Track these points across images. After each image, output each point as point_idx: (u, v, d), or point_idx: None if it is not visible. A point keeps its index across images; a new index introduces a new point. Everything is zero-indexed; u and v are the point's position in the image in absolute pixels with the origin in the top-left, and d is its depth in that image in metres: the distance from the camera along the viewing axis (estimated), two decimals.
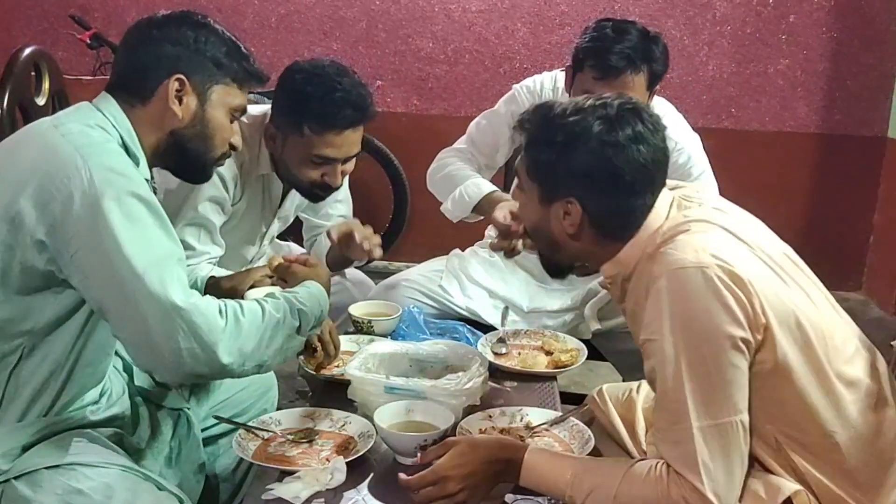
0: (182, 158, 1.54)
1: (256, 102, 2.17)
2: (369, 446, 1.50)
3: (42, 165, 1.33)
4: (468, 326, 2.12)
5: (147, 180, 1.44)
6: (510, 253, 1.99)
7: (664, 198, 1.43)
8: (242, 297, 1.55)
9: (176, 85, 1.46)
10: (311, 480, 1.38)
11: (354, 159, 2.05)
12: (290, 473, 1.43)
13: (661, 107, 2.28)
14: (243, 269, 1.97)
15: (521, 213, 1.54)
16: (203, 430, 1.74)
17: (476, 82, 4.42)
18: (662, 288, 1.29)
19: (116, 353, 1.60)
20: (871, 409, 1.38)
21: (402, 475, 1.35)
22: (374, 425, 1.53)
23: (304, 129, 1.92)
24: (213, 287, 1.77)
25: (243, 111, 1.59)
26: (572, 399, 2.21)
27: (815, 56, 4.32)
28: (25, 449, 1.38)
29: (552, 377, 1.92)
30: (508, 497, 1.40)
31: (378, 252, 2.14)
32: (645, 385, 1.75)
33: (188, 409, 1.68)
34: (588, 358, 2.01)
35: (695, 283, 1.27)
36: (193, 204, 1.94)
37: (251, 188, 2.09)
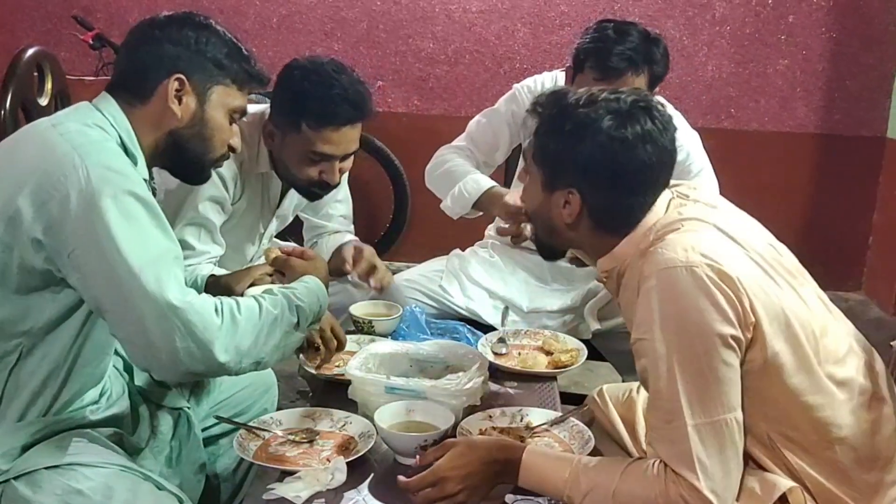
0: (180, 159, 1.54)
1: (258, 102, 2.17)
2: (370, 446, 1.50)
3: (40, 164, 1.33)
4: (468, 326, 2.13)
5: (146, 180, 1.44)
6: (517, 238, 1.96)
7: (662, 196, 1.44)
8: (242, 295, 1.55)
9: (175, 85, 1.46)
10: (311, 480, 1.39)
11: (352, 157, 2.04)
12: (291, 473, 1.43)
13: None
14: (243, 267, 1.97)
15: (525, 196, 1.55)
16: (203, 430, 1.74)
17: (476, 82, 4.42)
18: (652, 287, 1.30)
19: (116, 353, 1.60)
20: (865, 407, 1.38)
21: (401, 477, 1.35)
22: (374, 425, 1.53)
23: (302, 126, 1.92)
24: (213, 285, 1.78)
25: (243, 113, 1.59)
26: (572, 399, 2.21)
27: (814, 56, 4.32)
28: (25, 449, 1.38)
29: (552, 377, 1.93)
30: (508, 497, 1.40)
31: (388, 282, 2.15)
32: None
33: (188, 408, 1.68)
34: (588, 358, 2.02)
35: (684, 282, 1.27)
36: (193, 203, 1.94)
37: (250, 187, 2.09)
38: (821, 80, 4.35)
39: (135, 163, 1.43)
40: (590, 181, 1.38)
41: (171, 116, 1.48)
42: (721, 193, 1.63)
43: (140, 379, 1.65)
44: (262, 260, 2.06)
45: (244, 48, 1.55)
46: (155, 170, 1.57)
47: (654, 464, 1.31)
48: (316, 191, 2.07)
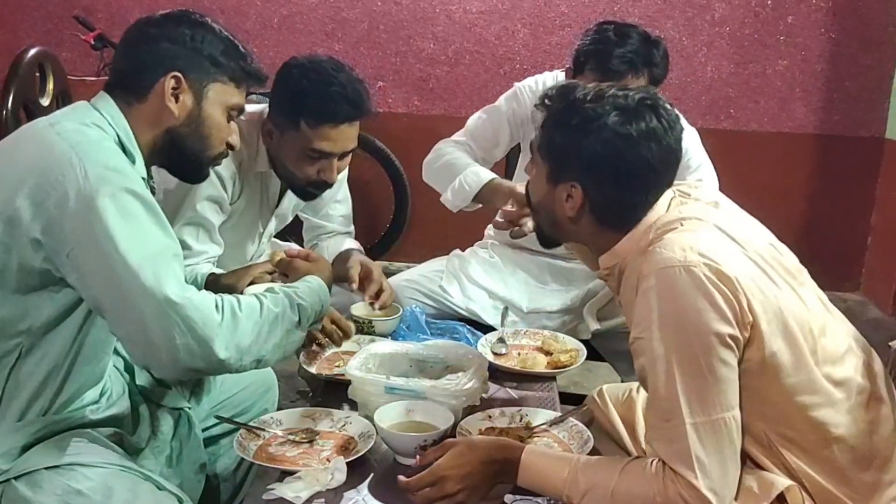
0: (178, 157, 1.54)
1: (258, 102, 2.17)
2: (369, 446, 1.51)
3: (38, 164, 1.33)
4: (468, 327, 2.14)
5: (144, 179, 1.44)
6: (516, 232, 1.94)
7: (664, 194, 1.44)
8: (242, 294, 1.55)
9: (172, 82, 1.46)
10: (311, 480, 1.39)
11: (350, 156, 2.04)
12: (291, 473, 1.43)
13: None
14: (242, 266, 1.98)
15: (530, 188, 1.56)
16: (204, 430, 1.74)
17: (476, 83, 4.43)
18: (651, 287, 1.31)
19: (117, 353, 1.61)
20: (863, 407, 1.39)
21: (401, 477, 1.36)
22: (374, 425, 1.53)
23: (300, 124, 1.91)
24: (213, 284, 1.78)
25: (241, 110, 1.59)
26: (571, 399, 2.22)
27: (813, 57, 4.33)
28: (25, 449, 1.38)
29: (551, 377, 1.93)
30: (508, 497, 1.41)
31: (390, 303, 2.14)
32: None
33: (189, 408, 1.68)
34: (587, 358, 2.02)
35: (682, 281, 1.28)
36: (192, 203, 1.93)
37: (249, 186, 2.09)
38: (820, 80, 4.35)
39: (133, 161, 1.43)
40: (593, 176, 1.39)
41: (169, 114, 1.48)
42: (720, 192, 1.64)
43: (141, 379, 1.65)
44: (263, 259, 2.06)
45: (241, 45, 1.54)
46: (154, 169, 1.57)
47: (652, 462, 1.31)
48: (311, 190, 2.06)
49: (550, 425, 1.64)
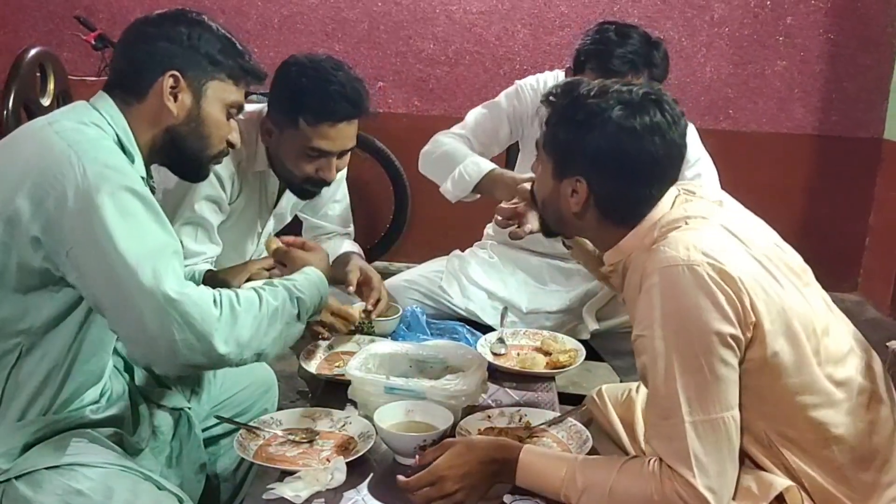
0: (178, 156, 1.54)
1: (258, 103, 2.17)
2: (369, 446, 1.51)
3: (37, 163, 1.33)
4: (467, 327, 2.14)
5: (143, 178, 1.44)
6: (514, 234, 1.93)
7: (669, 192, 1.45)
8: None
9: (170, 81, 1.46)
10: (311, 480, 1.39)
11: (349, 155, 2.04)
12: (291, 473, 1.43)
13: None
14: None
15: (536, 185, 1.56)
16: (204, 430, 1.74)
17: (476, 83, 4.43)
18: (654, 285, 1.31)
19: (117, 353, 1.61)
20: (864, 407, 1.39)
21: (400, 477, 1.36)
22: (374, 425, 1.53)
23: (299, 122, 1.91)
24: (210, 280, 1.78)
25: (240, 108, 1.59)
26: (570, 399, 2.21)
27: (812, 58, 4.33)
28: (26, 448, 1.38)
29: (550, 377, 1.93)
30: (507, 498, 1.41)
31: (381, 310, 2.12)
32: (644, 386, 1.77)
33: (189, 409, 1.68)
34: (586, 359, 2.02)
35: (685, 280, 1.29)
36: (190, 203, 1.93)
37: (248, 186, 2.09)
38: (818, 81, 4.36)
39: (132, 161, 1.43)
40: (597, 170, 1.40)
41: (168, 113, 1.48)
42: None
43: (141, 379, 1.65)
44: (262, 256, 2.06)
45: (238, 43, 1.55)
46: (154, 169, 1.57)
47: (650, 461, 1.32)
48: (311, 188, 2.06)
49: (549, 425, 1.65)
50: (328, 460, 1.47)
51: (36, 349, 1.39)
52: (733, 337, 1.28)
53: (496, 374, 1.89)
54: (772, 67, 4.36)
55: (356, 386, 1.64)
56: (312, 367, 1.89)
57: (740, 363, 1.31)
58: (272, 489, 1.39)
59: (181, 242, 1.87)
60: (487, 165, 2.24)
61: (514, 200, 1.93)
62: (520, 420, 1.67)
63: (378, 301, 2.07)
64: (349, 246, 2.31)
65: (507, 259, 2.49)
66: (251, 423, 1.62)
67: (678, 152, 1.42)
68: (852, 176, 4.42)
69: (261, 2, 4.43)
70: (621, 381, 2.19)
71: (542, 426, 1.64)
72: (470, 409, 1.66)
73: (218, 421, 1.77)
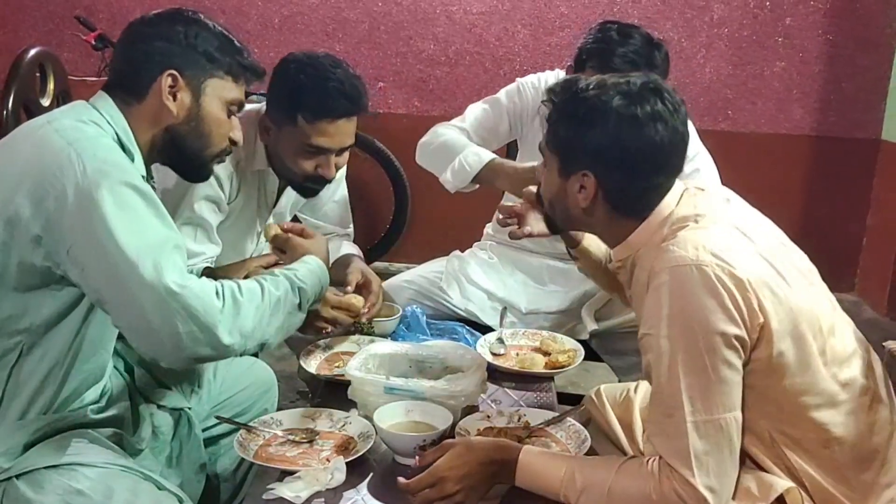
0: (179, 155, 1.54)
1: (258, 103, 2.17)
2: (369, 446, 1.51)
3: (36, 162, 1.33)
4: (467, 327, 2.14)
5: (143, 177, 1.44)
6: (514, 234, 1.92)
7: (676, 186, 1.45)
8: None
9: (169, 80, 1.47)
10: (311, 480, 1.40)
11: (348, 152, 2.04)
12: (291, 473, 1.44)
13: None
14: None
15: (543, 186, 1.56)
16: (204, 431, 1.75)
17: (476, 84, 4.43)
18: (663, 283, 1.31)
19: (118, 354, 1.61)
20: (866, 408, 1.40)
21: (401, 479, 1.37)
22: (373, 426, 1.54)
23: (298, 119, 1.91)
24: (209, 276, 1.78)
25: (241, 105, 1.58)
26: (569, 399, 2.22)
27: (810, 58, 4.34)
28: (27, 447, 1.38)
29: (549, 378, 1.94)
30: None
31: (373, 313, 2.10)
32: (642, 386, 1.77)
33: (189, 409, 1.68)
34: (585, 359, 2.02)
35: (692, 280, 1.29)
36: (189, 203, 1.93)
37: (247, 185, 2.09)
38: (817, 82, 4.36)
39: (132, 160, 1.43)
40: (603, 162, 1.40)
41: (167, 113, 1.48)
42: None
43: (141, 379, 1.66)
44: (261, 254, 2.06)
45: (236, 40, 1.55)
46: (154, 168, 1.57)
47: (649, 460, 1.32)
48: (310, 185, 2.05)
49: (548, 425, 1.65)
50: (328, 460, 1.48)
51: (36, 348, 1.39)
52: (738, 338, 1.29)
53: (495, 375, 1.89)
54: (771, 68, 4.37)
55: (356, 386, 1.64)
56: (312, 367, 1.90)
57: (745, 364, 1.31)
58: (272, 489, 1.39)
59: None
60: (488, 155, 2.24)
61: (518, 203, 1.94)
62: (519, 420, 1.67)
63: (373, 305, 2.08)
64: (349, 248, 2.31)
65: (507, 259, 2.49)
66: (251, 424, 1.62)
67: (681, 139, 1.42)
68: (850, 176, 4.42)
69: (261, 2, 4.43)
70: (620, 381, 2.19)
71: (540, 426, 1.65)
72: (469, 409, 1.67)
73: (218, 421, 1.77)
